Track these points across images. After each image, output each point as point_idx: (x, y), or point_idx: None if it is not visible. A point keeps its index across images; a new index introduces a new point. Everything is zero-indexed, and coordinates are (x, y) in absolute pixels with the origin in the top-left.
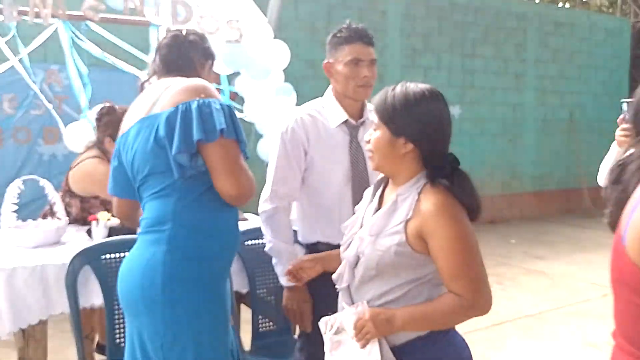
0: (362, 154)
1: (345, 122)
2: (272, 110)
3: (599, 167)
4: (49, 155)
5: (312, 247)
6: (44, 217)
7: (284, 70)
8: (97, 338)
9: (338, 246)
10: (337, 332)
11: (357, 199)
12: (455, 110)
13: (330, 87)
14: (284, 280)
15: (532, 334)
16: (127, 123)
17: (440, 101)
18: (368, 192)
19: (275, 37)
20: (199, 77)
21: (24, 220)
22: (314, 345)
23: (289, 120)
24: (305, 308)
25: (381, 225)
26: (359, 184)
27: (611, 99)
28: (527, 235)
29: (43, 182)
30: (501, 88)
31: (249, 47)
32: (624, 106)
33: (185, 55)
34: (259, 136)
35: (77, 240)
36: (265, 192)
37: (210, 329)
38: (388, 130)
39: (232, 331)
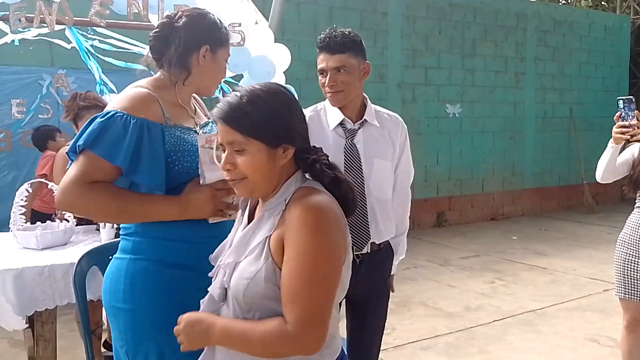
0: (357, 157)
1: (342, 124)
2: None
3: None
4: None
5: None
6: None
7: (286, 72)
8: (104, 336)
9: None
10: None
11: None
12: (455, 109)
13: None
14: None
15: (533, 329)
16: None
17: (286, 92)
18: (239, 213)
19: (277, 40)
20: (191, 66)
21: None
22: None
23: None
24: None
25: (242, 247)
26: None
27: (611, 95)
28: (528, 231)
29: (51, 185)
30: (501, 86)
31: (251, 50)
32: (620, 103)
33: (171, 45)
34: None
35: (86, 241)
36: None
37: (174, 339)
38: (263, 144)
39: None
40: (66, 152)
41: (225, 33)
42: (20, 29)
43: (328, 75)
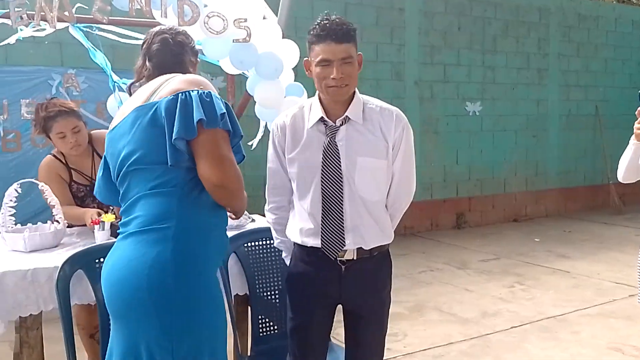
0: (337, 156)
1: (322, 121)
2: (282, 109)
3: None
4: None
5: (300, 247)
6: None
7: (295, 69)
8: None
9: (311, 248)
10: None
11: (328, 207)
12: (476, 107)
13: None
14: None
15: (553, 336)
16: (118, 118)
17: None
18: None
19: (290, 37)
20: None
21: (35, 223)
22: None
23: (274, 124)
24: None
25: None
26: (331, 190)
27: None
28: (552, 233)
29: (41, 186)
30: (523, 83)
31: (258, 46)
32: None
33: (177, 57)
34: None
35: (79, 243)
36: (267, 201)
37: (220, 327)
38: None
39: None
40: (176, 138)
41: None
42: (21, 28)
43: (335, 67)
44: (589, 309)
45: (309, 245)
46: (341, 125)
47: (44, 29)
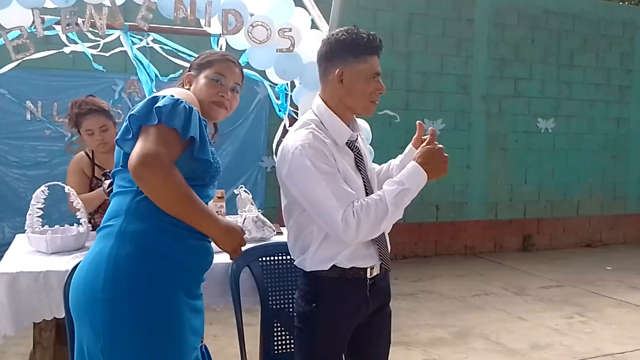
0: (367, 172)
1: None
2: None
3: None
4: None
5: (344, 274)
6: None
7: None
8: None
9: (364, 269)
10: None
11: None
12: (548, 124)
13: (322, 100)
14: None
15: None
16: None
17: None
18: None
19: None
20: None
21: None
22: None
23: (298, 140)
24: None
25: None
26: None
27: None
28: (627, 262)
29: (68, 189)
30: (602, 101)
31: (303, 55)
32: None
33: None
34: None
35: None
36: (335, 222)
37: (158, 335)
38: None
39: (206, 351)
40: (117, 139)
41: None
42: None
43: (379, 81)
44: None
45: (359, 267)
46: (356, 139)
47: (99, 40)
